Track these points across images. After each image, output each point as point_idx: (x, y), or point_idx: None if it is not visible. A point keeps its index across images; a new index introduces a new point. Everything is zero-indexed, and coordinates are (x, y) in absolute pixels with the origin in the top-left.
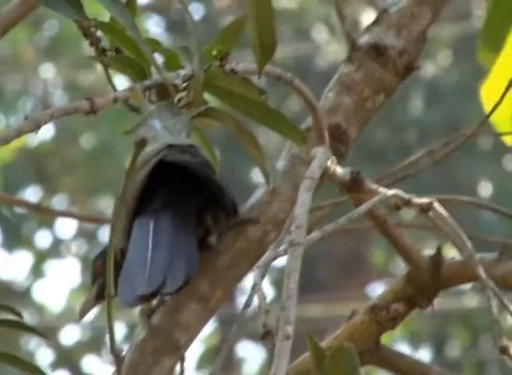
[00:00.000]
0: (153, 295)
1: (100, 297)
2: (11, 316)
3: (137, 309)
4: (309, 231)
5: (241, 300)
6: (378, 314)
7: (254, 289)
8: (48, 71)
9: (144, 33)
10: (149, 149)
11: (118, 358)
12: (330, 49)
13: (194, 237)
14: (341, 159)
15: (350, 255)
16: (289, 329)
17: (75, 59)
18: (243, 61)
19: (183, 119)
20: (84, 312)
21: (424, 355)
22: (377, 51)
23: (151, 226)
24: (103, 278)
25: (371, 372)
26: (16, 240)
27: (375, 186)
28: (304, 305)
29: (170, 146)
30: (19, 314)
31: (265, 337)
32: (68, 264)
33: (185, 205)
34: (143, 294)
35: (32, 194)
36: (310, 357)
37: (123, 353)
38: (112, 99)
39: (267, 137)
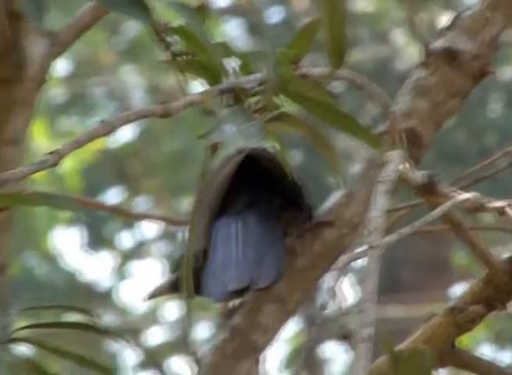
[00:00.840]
0: (244, 291)
1: (173, 288)
2: (87, 319)
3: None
4: (385, 233)
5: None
6: (457, 316)
7: (329, 291)
8: (128, 74)
9: (223, 36)
10: (225, 152)
11: (195, 359)
12: (408, 52)
13: (282, 236)
14: (416, 162)
15: (431, 257)
16: (368, 331)
17: (155, 62)
18: (318, 65)
19: (256, 123)
20: (153, 296)
21: (508, 356)
22: (451, 55)
23: (239, 224)
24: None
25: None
26: (98, 241)
27: (449, 189)
28: (385, 306)
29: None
30: (93, 316)
31: (345, 338)
32: (151, 265)
33: (268, 204)
34: (234, 290)
35: (114, 195)
36: (386, 359)
37: (201, 354)
38: (186, 103)
39: (346, 141)
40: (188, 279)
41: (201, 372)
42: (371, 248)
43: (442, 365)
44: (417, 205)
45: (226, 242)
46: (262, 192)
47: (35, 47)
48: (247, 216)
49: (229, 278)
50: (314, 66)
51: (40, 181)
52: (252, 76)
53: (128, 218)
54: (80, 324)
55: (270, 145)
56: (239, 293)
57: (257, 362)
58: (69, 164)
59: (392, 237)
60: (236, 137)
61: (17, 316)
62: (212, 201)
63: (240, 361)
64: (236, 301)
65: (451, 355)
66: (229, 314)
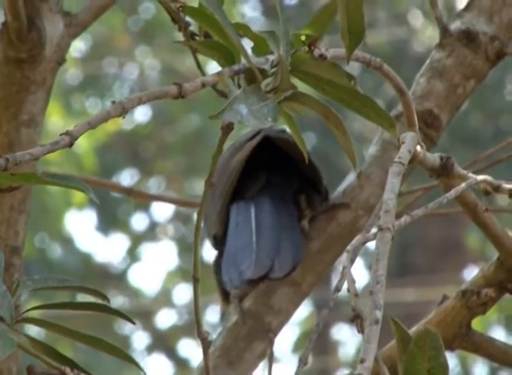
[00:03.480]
0: (260, 279)
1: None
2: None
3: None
4: (400, 216)
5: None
6: (469, 299)
7: (343, 273)
8: (143, 55)
9: (239, 17)
10: (240, 135)
11: (205, 342)
12: (426, 34)
13: (297, 222)
14: (432, 144)
15: (445, 240)
16: (378, 313)
17: (171, 43)
18: (336, 46)
19: (269, 103)
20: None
21: None
22: (468, 37)
23: (253, 210)
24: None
25: (464, 356)
26: (112, 223)
27: (464, 171)
28: (398, 289)
29: (259, 130)
30: (105, 297)
31: (355, 320)
32: (164, 247)
33: (283, 188)
34: (250, 278)
35: (128, 176)
36: (396, 341)
37: (213, 337)
38: (200, 84)
39: (362, 123)
40: (197, 262)
41: (213, 355)
42: (381, 230)
43: (456, 347)
44: (432, 187)
45: (242, 229)
46: (279, 175)
47: (53, 27)
48: (263, 200)
49: (246, 266)
50: (332, 47)
51: (55, 161)
52: (266, 58)
53: (141, 199)
54: (93, 305)
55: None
56: (255, 281)
57: (271, 343)
58: (84, 145)
59: (404, 220)
60: (249, 118)
61: (29, 297)
62: (226, 186)
63: (252, 343)
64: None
65: (464, 337)
66: (241, 297)
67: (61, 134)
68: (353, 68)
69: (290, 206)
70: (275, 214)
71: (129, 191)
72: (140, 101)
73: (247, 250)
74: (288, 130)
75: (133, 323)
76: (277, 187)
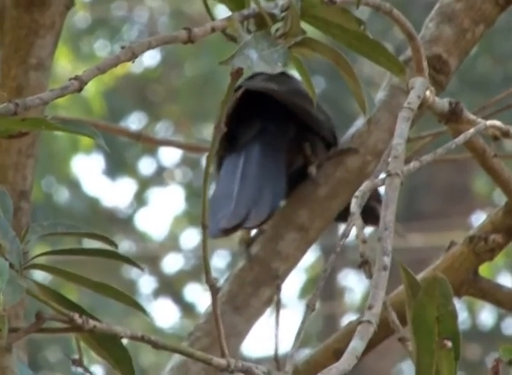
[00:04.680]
0: (236, 228)
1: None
2: (107, 246)
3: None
4: (409, 161)
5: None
6: (477, 245)
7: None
8: None
9: None
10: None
11: (213, 289)
12: None
13: (283, 170)
14: (441, 89)
15: (453, 185)
16: (386, 259)
17: None
18: None
19: (279, 48)
20: (246, 244)
21: None
22: None
23: (242, 159)
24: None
25: (471, 302)
26: (119, 167)
27: (473, 116)
28: (406, 234)
29: (256, 75)
30: (113, 243)
31: (363, 266)
32: (171, 192)
33: (277, 135)
34: (225, 228)
35: (136, 120)
36: (404, 288)
37: (220, 283)
38: (210, 29)
39: (371, 68)
40: (205, 208)
41: (220, 301)
42: (390, 175)
43: (463, 293)
44: (441, 133)
45: (228, 178)
46: (274, 122)
47: None
48: (253, 149)
49: (222, 215)
50: None
51: (63, 105)
52: (276, 2)
53: (150, 144)
54: (101, 251)
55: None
56: (231, 230)
57: (278, 289)
58: (92, 88)
59: (412, 165)
60: (260, 63)
61: (37, 242)
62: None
63: (259, 289)
64: (255, 230)
65: (472, 284)
66: (248, 242)
67: (70, 79)
68: (363, 12)
69: (280, 154)
70: (262, 163)
71: (137, 136)
72: (150, 46)
73: (228, 199)
74: (295, 73)
75: (141, 269)
76: (270, 135)
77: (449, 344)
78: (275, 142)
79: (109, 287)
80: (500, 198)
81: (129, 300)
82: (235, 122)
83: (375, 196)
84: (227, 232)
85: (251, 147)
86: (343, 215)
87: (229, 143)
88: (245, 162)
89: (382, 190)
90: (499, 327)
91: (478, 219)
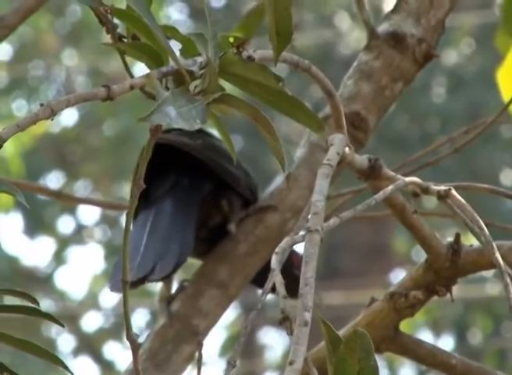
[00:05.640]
0: (141, 281)
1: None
2: (28, 303)
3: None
4: (329, 218)
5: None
6: (397, 301)
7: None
8: (70, 57)
9: (166, 19)
10: None
11: (134, 345)
12: (353, 37)
13: (193, 225)
14: (360, 146)
15: (371, 243)
16: (307, 315)
17: (97, 46)
18: (264, 48)
19: (197, 105)
20: (167, 299)
21: (447, 341)
22: (396, 39)
23: (152, 213)
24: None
25: (392, 359)
26: (38, 226)
27: (392, 173)
28: (325, 292)
29: (173, 129)
30: (34, 300)
31: (283, 322)
32: (91, 250)
33: (191, 190)
34: (131, 280)
35: (54, 179)
36: (325, 343)
37: (141, 340)
38: (129, 86)
39: (289, 125)
40: (125, 263)
41: (140, 358)
42: (310, 232)
43: (384, 349)
44: (360, 190)
45: (138, 232)
46: (189, 177)
47: None
48: (164, 202)
49: (129, 268)
50: (260, 49)
51: None
52: (194, 59)
53: (71, 203)
54: (21, 307)
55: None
56: (136, 283)
57: (199, 345)
58: (11, 149)
59: (332, 222)
60: (178, 120)
61: None
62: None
63: (180, 345)
64: (176, 288)
65: (393, 340)
66: (169, 300)
67: None
68: (281, 70)
69: (192, 209)
70: (171, 217)
71: (57, 195)
72: (69, 104)
73: (135, 253)
74: (214, 132)
75: (62, 326)
76: (183, 190)
77: None
78: (187, 197)
79: (30, 343)
80: (419, 255)
81: (51, 356)
82: (149, 177)
83: (298, 264)
84: (133, 285)
85: (163, 201)
86: (259, 278)
87: (144, 198)
88: (155, 216)
89: (301, 247)
90: None
91: (397, 276)
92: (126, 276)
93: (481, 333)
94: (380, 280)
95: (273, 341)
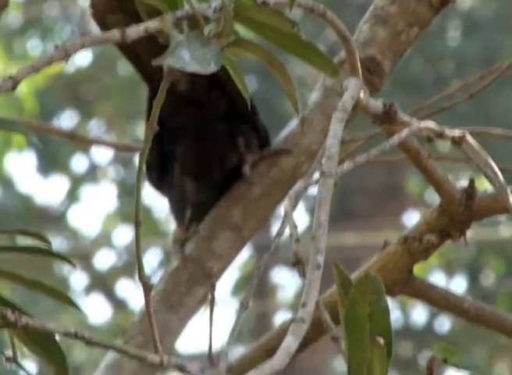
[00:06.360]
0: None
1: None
2: (40, 243)
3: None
4: (342, 162)
5: (276, 227)
6: (411, 245)
7: (285, 218)
8: None
9: None
10: None
11: (146, 286)
12: None
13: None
14: (375, 91)
15: (385, 184)
16: (320, 258)
17: None
18: None
19: (212, 49)
20: (181, 242)
21: (460, 283)
22: None
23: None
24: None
25: (405, 301)
26: (52, 164)
27: (407, 118)
28: (338, 234)
29: None
30: (46, 240)
31: (296, 265)
32: (104, 189)
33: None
34: None
35: (68, 118)
36: (336, 285)
37: (153, 281)
38: (143, 30)
39: (303, 69)
40: (139, 205)
41: (154, 299)
42: (323, 175)
43: (397, 293)
44: (375, 135)
45: None
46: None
47: None
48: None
49: None
50: None
51: None
52: (209, 4)
53: (84, 144)
54: (32, 248)
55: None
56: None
57: (212, 288)
58: (25, 88)
59: (346, 166)
60: (192, 63)
61: None
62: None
63: (194, 288)
64: (189, 230)
65: (406, 283)
66: (182, 242)
67: (3, 78)
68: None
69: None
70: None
71: (71, 136)
72: (84, 46)
73: None
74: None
75: (74, 266)
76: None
77: (381, 341)
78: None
79: (41, 283)
80: (432, 197)
81: (62, 296)
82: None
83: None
84: None
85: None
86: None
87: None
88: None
89: (315, 191)
90: (432, 326)
91: (410, 218)
92: (138, 217)
93: (494, 275)
94: (393, 222)
95: (286, 281)
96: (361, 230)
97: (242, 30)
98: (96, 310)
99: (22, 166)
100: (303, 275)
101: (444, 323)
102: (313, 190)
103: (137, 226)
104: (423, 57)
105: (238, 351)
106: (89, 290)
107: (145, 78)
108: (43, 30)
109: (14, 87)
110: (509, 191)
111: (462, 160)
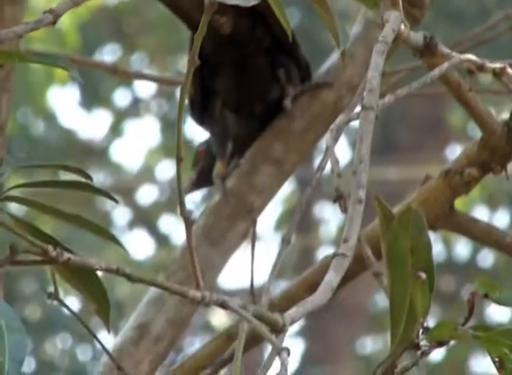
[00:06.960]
0: None
1: (199, 182)
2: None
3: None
4: (384, 95)
5: (318, 162)
6: (452, 179)
7: (327, 153)
8: None
9: None
10: None
11: (188, 221)
12: None
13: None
14: (416, 23)
15: (427, 117)
16: (361, 193)
17: None
18: None
19: None
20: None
21: (503, 216)
22: None
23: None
24: (203, 163)
25: (447, 236)
26: (95, 99)
27: (448, 50)
28: (381, 167)
29: None
30: (88, 176)
31: (338, 200)
32: (147, 124)
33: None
34: None
35: (110, 52)
36: (378, 220)
37: (194, 216)
38: None
39: (345, 1)
40: (180, 141)
41: (195, 234)
42: (365, 109)
43: (439, 227)
44: (416, 67)
45: None
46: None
47: None
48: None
49: None
50: None
51: (38, 38)
52: None
53: (126, 78)
54: (74, 183)
55: None
56: None
57: (254, 223)
58: (67, 21)
59: (387, 99)
60: None
61: (12, 175)
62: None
63: (235, 222)
64: (231, 164)
65: (448, 218)
66: (224, 176)
67: (44, 12)
68: None
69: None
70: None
71: (113, 70)
72: None
73: None
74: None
75: (116, 201)
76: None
77: (423, 275)
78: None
79: (84, 219)
80: (474, 130)
81: (104, 232)
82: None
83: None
84: None
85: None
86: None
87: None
88: None
89: (356, 124)
90: (475, 260)
91: (453, 151)
92: (180, 153)
93: None
94: (436, 155)
95: (329, 216)
96: (404, 163)
97: None
98: (139, 246)
99: (64, 100)
100: (344, 210)
101: (488, 258)
102: (355, 123)
103: (179, 161)
104: None
105: (280, 287)
106: (131, 225)
107: (184, 19)
108: None
109: (54, 22)
110: None
111: (503, 92)
